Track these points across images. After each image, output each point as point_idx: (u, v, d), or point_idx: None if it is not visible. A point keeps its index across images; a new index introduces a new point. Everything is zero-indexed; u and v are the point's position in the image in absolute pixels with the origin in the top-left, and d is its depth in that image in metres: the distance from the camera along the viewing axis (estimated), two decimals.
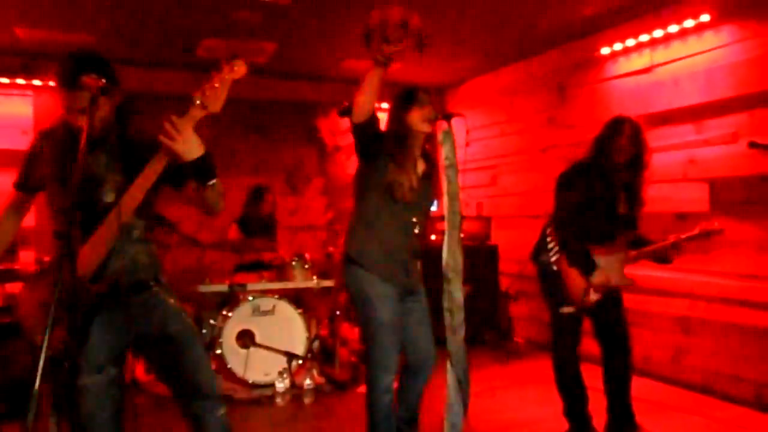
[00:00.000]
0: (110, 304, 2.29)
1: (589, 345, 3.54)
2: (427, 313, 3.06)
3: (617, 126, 3.36)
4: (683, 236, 3.35)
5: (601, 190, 3.35)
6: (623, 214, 3.44)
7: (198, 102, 2.13)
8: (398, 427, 3.07)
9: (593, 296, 3.31)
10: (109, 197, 2.29)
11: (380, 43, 2.33)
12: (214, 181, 2.24)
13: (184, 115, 2.14)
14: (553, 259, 3.38)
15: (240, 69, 2.15)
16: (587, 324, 3.48)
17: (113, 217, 2.22)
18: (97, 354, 2.29)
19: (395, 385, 2.92)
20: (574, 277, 3.30)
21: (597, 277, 3.29)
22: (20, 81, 5.72)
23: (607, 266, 3.32)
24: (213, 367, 4.65)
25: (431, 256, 3.14)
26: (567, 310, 3.36)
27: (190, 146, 2.14)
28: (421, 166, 3.01)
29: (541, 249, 3.51)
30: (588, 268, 3.29)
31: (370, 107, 2.64)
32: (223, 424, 2.51)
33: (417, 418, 3.13)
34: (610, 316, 3.45)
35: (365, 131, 2.71)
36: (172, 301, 2.47)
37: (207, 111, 2.15)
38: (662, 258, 3.45)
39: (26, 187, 2.51)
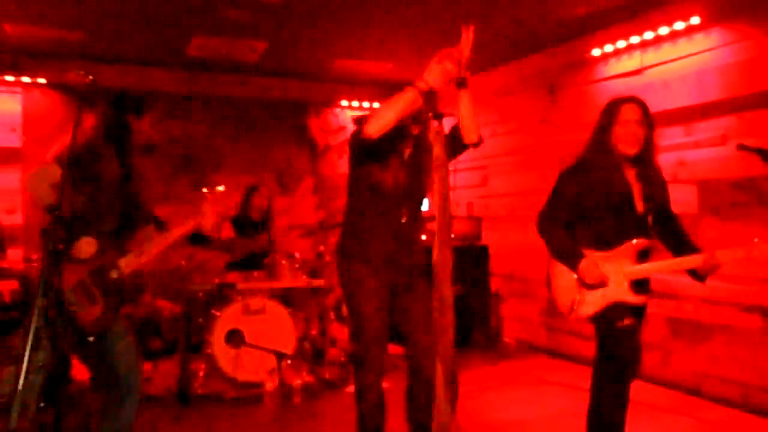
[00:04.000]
0: None
1: (581, 345, 3.53)
2: (428, 308, 2.84)
3: (613, 111, 2.83)
4: (724, 255, 2.63)
5: (608, 187, 2.80)
6: (642, 213, 2.83)
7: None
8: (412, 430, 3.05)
9: (585, 309, 2.80)
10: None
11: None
12: None
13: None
14: None
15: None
16: (588, 328, 3.00)
17: (108, 264, 2.55)
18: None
19: (385, 384, 2.91)
20: (563, 281, 2.87)
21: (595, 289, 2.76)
22: (9, 78, 5.66)
23: (610, 276, 2.75)
24: (202, 366, 4.67)
25: None
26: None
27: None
28: (407, 151, 3.03)
29: None
30: (575, 260, 2.76)
31: (388, 125, 2.61)
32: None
33: (427, 427, 2.88)
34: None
35: (371, 145, 2.68)
36: None
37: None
38: (695, 274, 2.77)
39: None
